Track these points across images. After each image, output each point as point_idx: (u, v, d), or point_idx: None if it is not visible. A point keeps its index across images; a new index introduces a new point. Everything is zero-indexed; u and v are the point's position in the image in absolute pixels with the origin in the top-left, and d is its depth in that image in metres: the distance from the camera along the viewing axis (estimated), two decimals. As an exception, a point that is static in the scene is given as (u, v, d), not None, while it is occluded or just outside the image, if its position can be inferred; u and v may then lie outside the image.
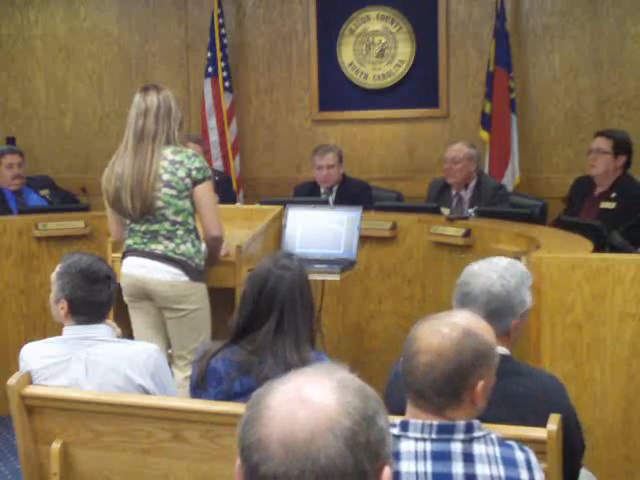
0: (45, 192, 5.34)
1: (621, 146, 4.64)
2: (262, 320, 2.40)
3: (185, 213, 3.39)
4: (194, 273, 3.40)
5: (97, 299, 2.57)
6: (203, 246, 3.50)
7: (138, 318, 3.51)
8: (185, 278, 3.39)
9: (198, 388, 2.45)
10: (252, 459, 1.01)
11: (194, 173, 3.36)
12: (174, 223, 3.39)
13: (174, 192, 3.35)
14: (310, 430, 1.00)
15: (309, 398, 1.03)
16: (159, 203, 3.35)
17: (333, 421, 1.01)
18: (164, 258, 3.38)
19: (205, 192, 3.40)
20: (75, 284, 2.56)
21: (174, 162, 3.34)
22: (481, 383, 1.78)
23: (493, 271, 2.29)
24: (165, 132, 3.36)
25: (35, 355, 2.59)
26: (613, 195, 4.59)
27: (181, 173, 3.34)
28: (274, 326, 2.39)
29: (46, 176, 5.69)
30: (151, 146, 3.34)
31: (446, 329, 1.79)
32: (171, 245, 3.39)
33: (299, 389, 1.05)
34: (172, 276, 3.37)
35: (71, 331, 2.60)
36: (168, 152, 3.35)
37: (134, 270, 3.39)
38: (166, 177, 3.33)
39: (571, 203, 4.78)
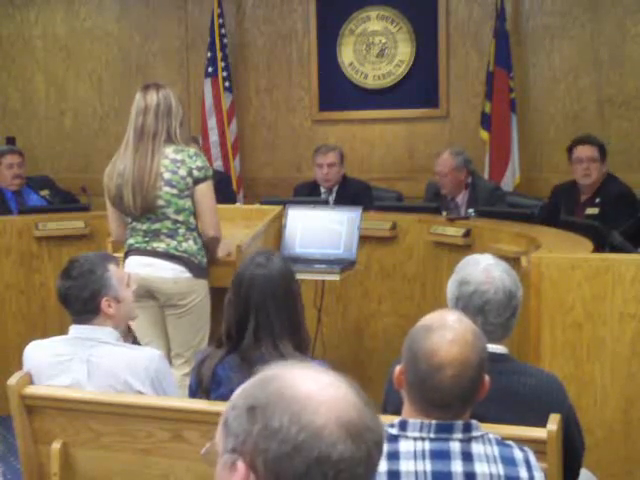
0: (45, 192, 5.34)
1: (604, 151, 4.65)
2: (247, 323, 2.40)
3: (186, 212, 3.39)
4: (197, 270, 3.41)
5: (62, 296, 2.55)
6: None
7: (141, 317, 3.51)
8: (188, 274, 3.39)
9: (201, 394, 2.44)
10: (319, 448, 1.02)
11: (195, 172, 3.36)
12: (175, 222, 3.39)
13: (175, 191, 3.35)
14: (355, 407, 1.06)
15: (332, 382, 1.09)
16: (160, 202, 3.35)
17: (359, 396, 1.09)
18: (167, 255, 3.38)
19: (205, 192, 3.40)
20: (58, 279, 2.59)
21: (175, 161, 3.34)
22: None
23: (496, 268, 2.26)
24: (166, 130, 3.36)
25: (39, 353, 2.59)
26: (597, 200, 4.59)
27: (182, 172, 3.34)
28: (253, 328, 2.38)
29: (46, 176, 5.69)
30: (152, 144, 3.34)
31: (457, 337, 1.76)
32: (173, 243, 3.39)
33: (315, 378, 1.09)
34: (175, 273, 3.38)
35: (75, 330, 2.60)
36: (169, 151, 3.35)
37: (137, 269, 3.39)
38: (167, 176, 3.34)
39: (550, 213, 4.71)
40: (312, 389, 1.06)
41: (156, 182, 3.32)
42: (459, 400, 1.74)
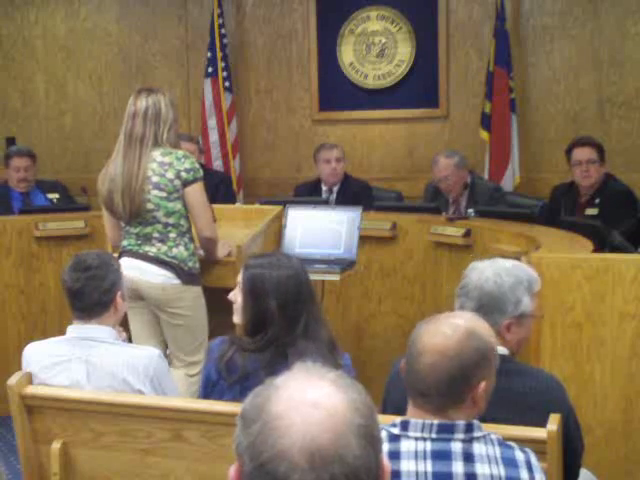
0: (54, 195, 5.28)
1: (602, 151, 4.66)
2: (298, 321, 2.44)
3: (177, 215, 3.38)
4: (186, 276, 3.40)
5: (77, 289, 2.54)
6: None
7: (135, 318, 3.52)
8: (176, 281, 3.38)
9: (229, 385, 2.45)
10: (278, 471, 0.99)
11: (183, 174, 3.34)
12: (166, 225, 3.38)
13: (163, 194, 3.34)
14: (330, 433, 1.00)
15: (318, 401, 1.03)
16: (149, 205, 3.34)
17: (348, 420, 1.02)
18: (156, 260, 3.38)
19: (196, 193, 3.38)
20: (65, 273, 2.58)
21: (163, 164, 3.33)
22: (483, 384, 1.78)
23: (491, 268, 2.29)
24: (153, 134, 3.35)
25: (38, 354, 2.59)
26: (597, 201, 4.60)
27: (170, 174, 3.33)
28: (303, 325, 2.44)
29: (58, 181, 5.59)
30: (139, 149, 3.34)
31: (448, 330, 1.79)
32: (163, 248, 3.38)
33: (304, 393, 1.04)
34: (163, 279, 3.38)
35: (73, 330, 2.60)
36: (157, 154, 3.35)
37: (128, 271, 3.39)
38: (155, 179, 3.33)
39: (550, 213, 4.70)
40: (287, 408, 1.03)
41: (143, 186, 3.31)
42: (435, 390, 1.75)
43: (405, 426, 1.74)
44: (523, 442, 1.84)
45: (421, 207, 4.86)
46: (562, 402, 2.16)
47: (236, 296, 2.57)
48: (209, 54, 6.15)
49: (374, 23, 6.05)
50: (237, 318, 2.57)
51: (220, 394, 2.46)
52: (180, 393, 3.03)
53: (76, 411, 2.42)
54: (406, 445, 1.72)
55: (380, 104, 6.08)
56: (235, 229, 3.84)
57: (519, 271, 2.33)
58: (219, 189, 5.09)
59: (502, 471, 1.70)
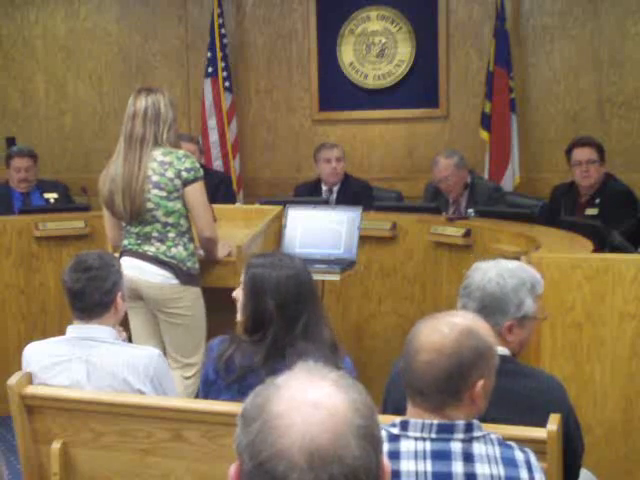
0: (51, 195, 5.26)
1: (602, 151, 4.67)
2: (298, 320, 2.44)
3: (176, 214, 3.39)
4: (184, 276, 3.40)
5: (78, 289, 2.54)
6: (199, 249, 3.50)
7: (135, 318, 3.52)
8: (175, 281, 3.38)
9: (228, 383, 2.45)
10: (277, 470, 0.99)
11: (184, 174, 3.35)
12: (165, 225, 3.38)
13: (164, 193, 3.34)
14: (330, 433, 1.01)
15: (319, 401, 1.03)
16: (149, 205, 3.35)
17: (348, 420, 1.03)
18: (155, 260, 3.38)
19: (196, 193, 3.38)
20: (65, 273, 2.58)
21: (163, 163, 3.34)
22: (481, 382, 1.78)
23: (494, 269, 2.29)
24: (153, 135, 3.36)
25: (38, 354, 2.59)
26: (597, 201, 4.60)
27: (170, 174, 3.34)
28: (303, 324, 2.44)
29: (59, 182, 5.56)
30: (139, 149, 3.34)
31: (446, 328, 1.79)
32: (162, 247, 3.39)
33: (305, 393, 1.05)
34: (162, 279, 3.38)
35: (73, 330, 2.60)
36: (158, 153, 3.35)
37: (128, 271, 3.39)
38: (155, 178, 3.34)
39: (550, 213, 4.71)
40: (287, 407, 1.03)
41: (144, 186, 3.32)
42: (433, 387, 1.75)
43: (405, 426, 1.74)
44: (523, 442, 1.84)
45: (421, 207, 4.86)
46: (562, 402, 2.16)
47: (239, 294, 2.58)
48: (209, 54, 6.15)
49: (374, 23, 6.05)
50: (240, 316, 2.59)
51: (217, 393, 2.47)
52: (179, 394, 3.02)
53: (76, 411, 2.42)
54: (406, 445, 1.72)
55: (380, 104, 6.08)
56: (235, 229, 3.84)
57: (522, 273, 2.33)
58: (219, 189, 5.09)
59: (502, 471, 1.70)
